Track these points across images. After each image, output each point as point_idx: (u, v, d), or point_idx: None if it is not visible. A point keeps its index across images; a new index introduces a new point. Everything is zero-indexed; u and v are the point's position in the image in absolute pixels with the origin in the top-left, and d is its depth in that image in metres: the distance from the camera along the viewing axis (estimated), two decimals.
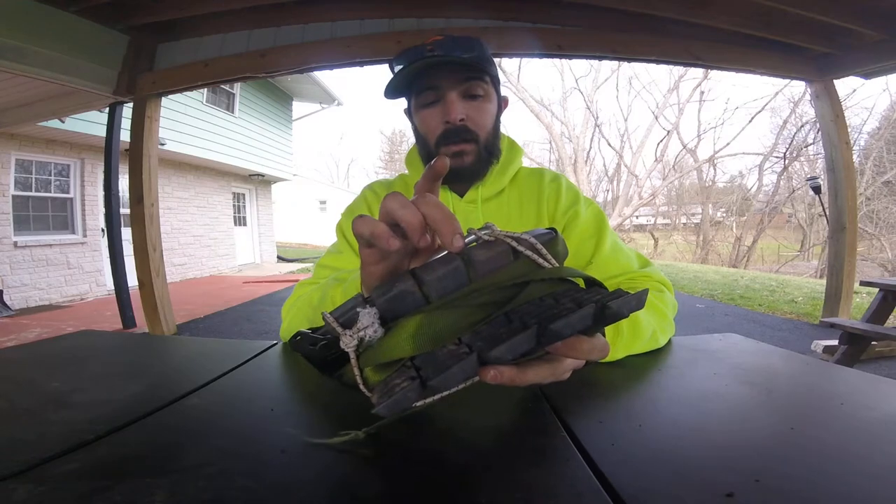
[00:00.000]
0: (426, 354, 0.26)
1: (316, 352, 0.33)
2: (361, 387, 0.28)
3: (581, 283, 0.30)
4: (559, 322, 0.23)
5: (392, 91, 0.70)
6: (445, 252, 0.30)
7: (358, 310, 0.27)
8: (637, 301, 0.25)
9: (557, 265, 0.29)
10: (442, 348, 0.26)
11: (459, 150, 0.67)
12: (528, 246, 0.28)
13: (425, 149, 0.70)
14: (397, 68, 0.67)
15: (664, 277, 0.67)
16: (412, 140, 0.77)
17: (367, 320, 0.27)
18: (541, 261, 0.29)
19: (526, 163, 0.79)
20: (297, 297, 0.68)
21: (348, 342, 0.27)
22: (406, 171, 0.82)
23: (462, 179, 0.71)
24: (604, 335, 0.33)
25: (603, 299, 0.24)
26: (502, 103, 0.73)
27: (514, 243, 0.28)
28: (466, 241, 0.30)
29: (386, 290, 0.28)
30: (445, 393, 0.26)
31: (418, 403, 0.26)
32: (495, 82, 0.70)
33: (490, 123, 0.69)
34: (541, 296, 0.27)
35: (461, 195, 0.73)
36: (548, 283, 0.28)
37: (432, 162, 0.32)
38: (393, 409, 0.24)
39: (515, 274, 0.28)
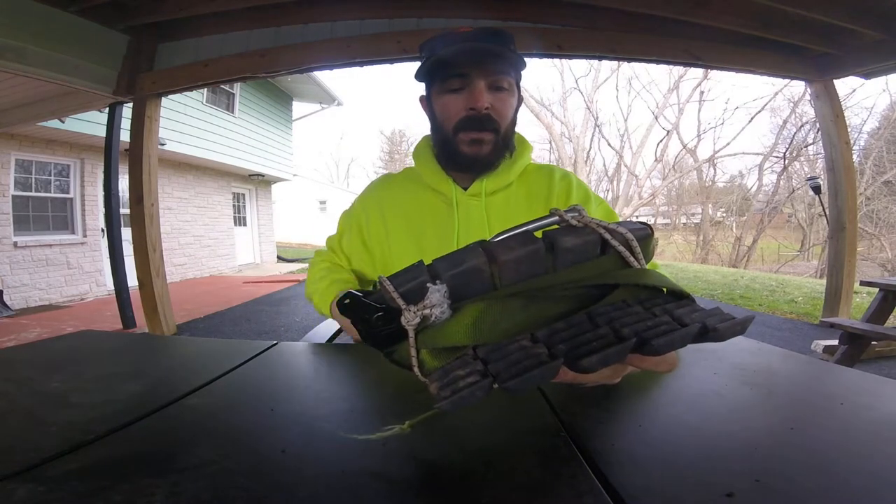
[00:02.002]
0: (492, 346, 0.23)
1: (371, 322, 0.29)
2: (416, 370, 0.26)
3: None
4: (661, 339, 0.21)
5: (424, 74, 0.71)
6: (523, 229, 0.26)
7: (428, 285, 0.24)
8: (742, 327, 0.23)
9: (645, 266, 0.26)
10: (511, 342, 0.23)
11: (479, 137, 0.67)
12: (622, 241, 0.25)
13: (441, 134, 0.71)
14: (430, 53, 0.68)
15: (672, 279, 0.67)
16: (412, 140, 0.78)
17: (437, 298, 0.24)
18: (631, 259, 0.25)
19: None
20: (316, 273, 0.76)
21: (410, 318, 0.24)
22: (411, 165, 0.83)
23: (478, 167, 0.71)
24: None
25: (707, 320, 0.22)
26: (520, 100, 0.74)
27: (606, 234, 0.25)
28: (548, 220, 0.27)
29: (454, 263, 0.24)
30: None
31: None
32: (518, 78, 0.71)
33: (510, 116, 0.70)
34: (623, 298, 0.24)
35: (465, 188, 0.73)
36: (633, 286, 0.25)
37: None
38: (458, 406, 0.22)
39: (601, 270, 0.25)
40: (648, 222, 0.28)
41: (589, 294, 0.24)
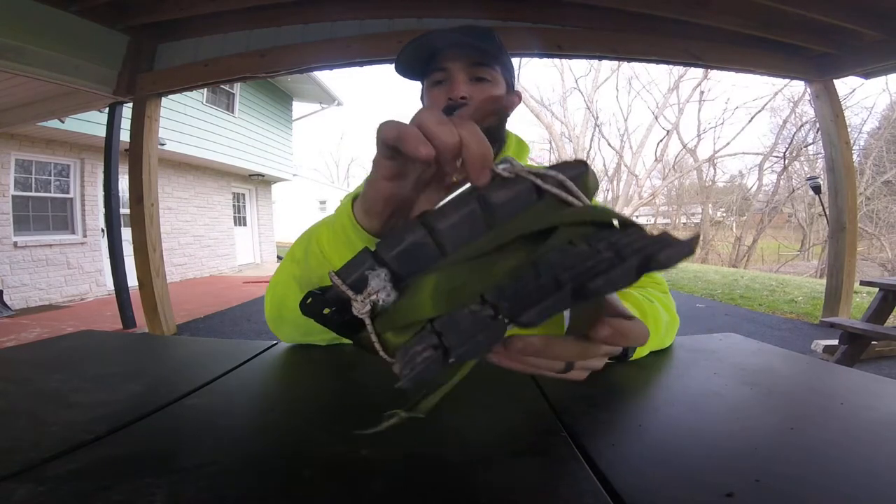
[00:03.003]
0: (447, 317, 0.23)
1: (331, 316, 0.29)
2: (381, 353, 0.26)
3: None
4: (599, 280, 0.19)
5: (403, 68, 0.72)
6: (458, 192, 0.26)
7: (366, 273, 0.25)
8: (688, 248, 0.20)
9: (588, 203, 0.25)
10: (463, 309, 0.22)
11: None
12: (555, 183, 0.25)
13: None
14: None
15: (661, 278, 0.67)
16: None
17: (378, 284, 0.24)
18: (570, 199, 0.25)
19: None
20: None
21: (360, 308, 0.25)
22: None
23: None
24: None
25: (647, 249, 0.20)
26: (513, 97, 0.73)
27: (538, 181, 0.25)
28: None
29: (394, 243, 0.25)
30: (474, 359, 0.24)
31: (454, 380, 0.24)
32: (506, 72, 0.71)
33: None
34: (569, 238, 0.23)
35: None
36: (578, 225, 0.24)
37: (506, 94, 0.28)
38: (415, 381, 0.22)
39: (541, 217, 0.24)
40: (584, 159, 0.27)
41: (535, 242, 0.24)
